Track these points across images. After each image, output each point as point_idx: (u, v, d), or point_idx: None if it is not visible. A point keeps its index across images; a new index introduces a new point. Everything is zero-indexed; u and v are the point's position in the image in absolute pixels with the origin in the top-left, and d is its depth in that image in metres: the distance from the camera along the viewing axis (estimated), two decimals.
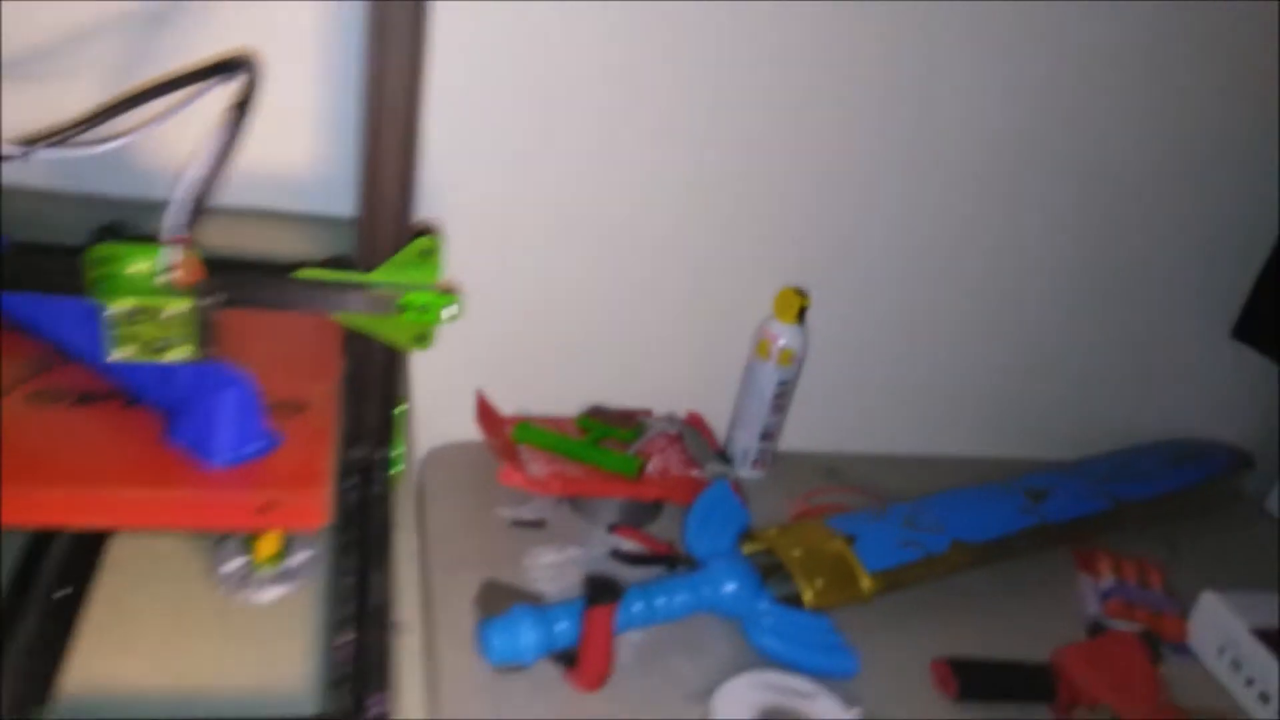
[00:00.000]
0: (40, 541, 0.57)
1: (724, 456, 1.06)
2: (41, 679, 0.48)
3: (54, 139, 0.62)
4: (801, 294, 1.01)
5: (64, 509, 0.54)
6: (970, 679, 0.84)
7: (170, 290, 0.56)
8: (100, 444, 0.57)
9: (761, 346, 1.03)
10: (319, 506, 0.57)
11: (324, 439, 0.61)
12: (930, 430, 1.20)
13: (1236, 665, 0.90)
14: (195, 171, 0.55)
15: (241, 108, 0.56)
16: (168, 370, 0.60)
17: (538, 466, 0.95)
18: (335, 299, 0.62)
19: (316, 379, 0.65)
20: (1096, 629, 0.93)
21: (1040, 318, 1.16)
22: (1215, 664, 0.93)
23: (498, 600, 0.84)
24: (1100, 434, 1.21)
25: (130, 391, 0.62)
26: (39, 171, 0.73)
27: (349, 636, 0.55)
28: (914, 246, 1.08)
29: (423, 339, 0.65)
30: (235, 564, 0.62)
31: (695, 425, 1.09)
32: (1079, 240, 1.11)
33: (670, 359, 1.09)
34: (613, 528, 0.95)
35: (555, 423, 1.02)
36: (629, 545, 0.93)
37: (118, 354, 0.55)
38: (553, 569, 0.90)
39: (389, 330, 0.64)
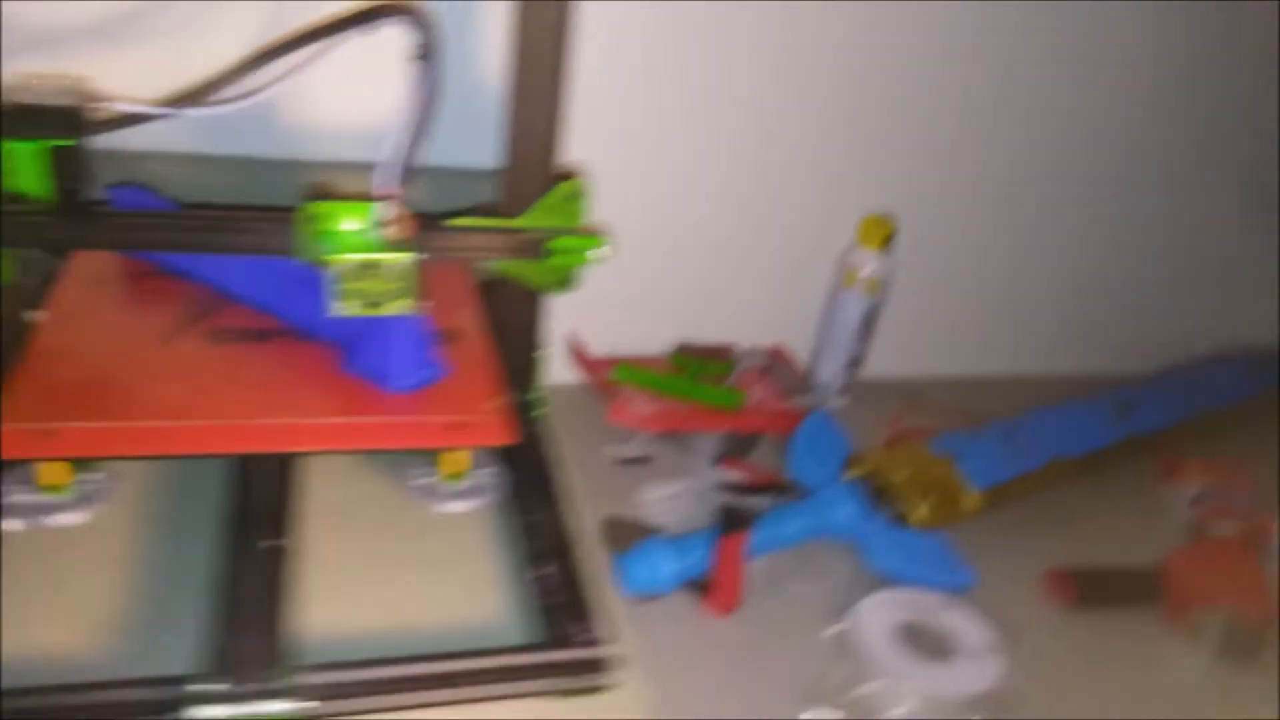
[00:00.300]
0: (242, 491, 0.59)
1: (811, 386, 1.07)
2: (272, 630, 0.49)
3: (198, 97, 0.62)
4: (887, 221, 1.01)
5: (276, 437, 0.56)
6: (1086, 586, 0.87)
7: (388, 244, 0.56)
8: (290, 375, 0.60)
9: (848, 275, 1.04)
10: (504, 424, 0.60)
11: (487, 364, 0.63)
12: (1007, 351, 1.21)
13: None
14: (400, 127, 0.55)
15: (427, 59, 0.55)
16: (319, 302, 0.62)
17: (640, 405, 0.96)
18: (487, 245, 0.62)
19: (459, 310, 0.67)
20: (1199, 533, 0.96)
21: (1108, 235, 1.17)
22: None
23: (621, 534, 0.85)
24: (1170, 345, 1.23)
25: (299, 327, 0.64)
26: (172, 134, 0.73)
27: (547, 568, 0.57)
28: (988, 172, 1.08)
29: (566, 282, 0.66)
30: (424, 479, 0.65)
31: (778, 357, 1.10)
32: (1138, 154, 1.12)
33: (750, 293, 1.10)
34: (718, 460, 0.97)
35: (647, 361, 1.03)
36: (735, 476, 0.95)
37: (341, 308, 0.56)
38: (665, 502, 0.92)
39: (534, 274, 0.65)
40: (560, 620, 0.53)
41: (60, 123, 0.58)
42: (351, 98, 0.81)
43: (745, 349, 1.08)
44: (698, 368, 1.02)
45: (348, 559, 0.59)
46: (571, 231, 0.64)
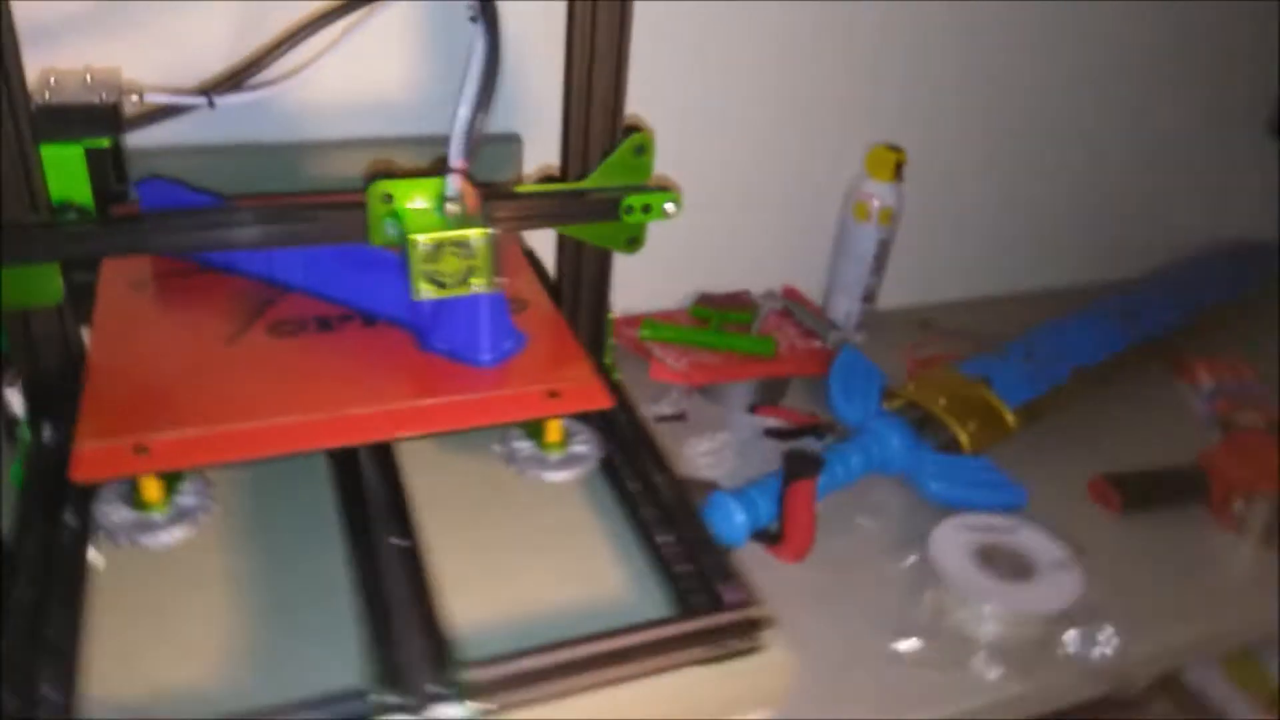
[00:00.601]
0: (350, 490, 0.56)
1: (831, 324, 1.07)
2: (432, 632, 0.47)
3: (236, 82, 0.58)
4: (895, 150, 1.01)
5: (380, 425, 0.54)
6: (1131, 491, 0.89)
7: (460, 220, 0.53)
8: (372, 361, 0.58)
9: (859, 208, 1.03)
10: (600, 387, 0.58)
11: (565, 330, 0.62)
12: (1006, 270, 1.22)
13: None
14: (467, 98, 0.52)
15: (487, 19, 0.52)
16: (393, 284, 0.60)
17: (673, 360, 0.94)
18: (558, 211, 0.60)
19: (516, 277, 0.65)
20: (1226, 427, 0.98)
21: (1094, 146, 1.18)
22: None
23: None
24: (1163, 247, 1.26)
25: (362, 311, 0.62)
26: (158, 127, 0.69)
27: (668, 534, 0.56)
28: (977, 95, 1.08)
29: (635, 241, 0.64)
30: (525, 452, 0.63)
31: (793, 298, 1.09)
32: (1122, 66, 1.13)
33: (758, 237, 1.08)
34: (753, 408, 0.96)
35: (668, 316, 1.01)
36: (774, 423, 0.95)
37: (423, 291, 0.53)
38: (711, 456, 0.91)
39: (604, 236, 0.62)
40: (705, 584, 0.52)
41: (95, 121, 0.53)
42: (344, 74, 0.77)
43: (762, 294, 1.07)
44: (720, 318, 1.00)
45: (466, 544, 0.57)
46: (642, 188, 0.61)
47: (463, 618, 0.49)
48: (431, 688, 0.43)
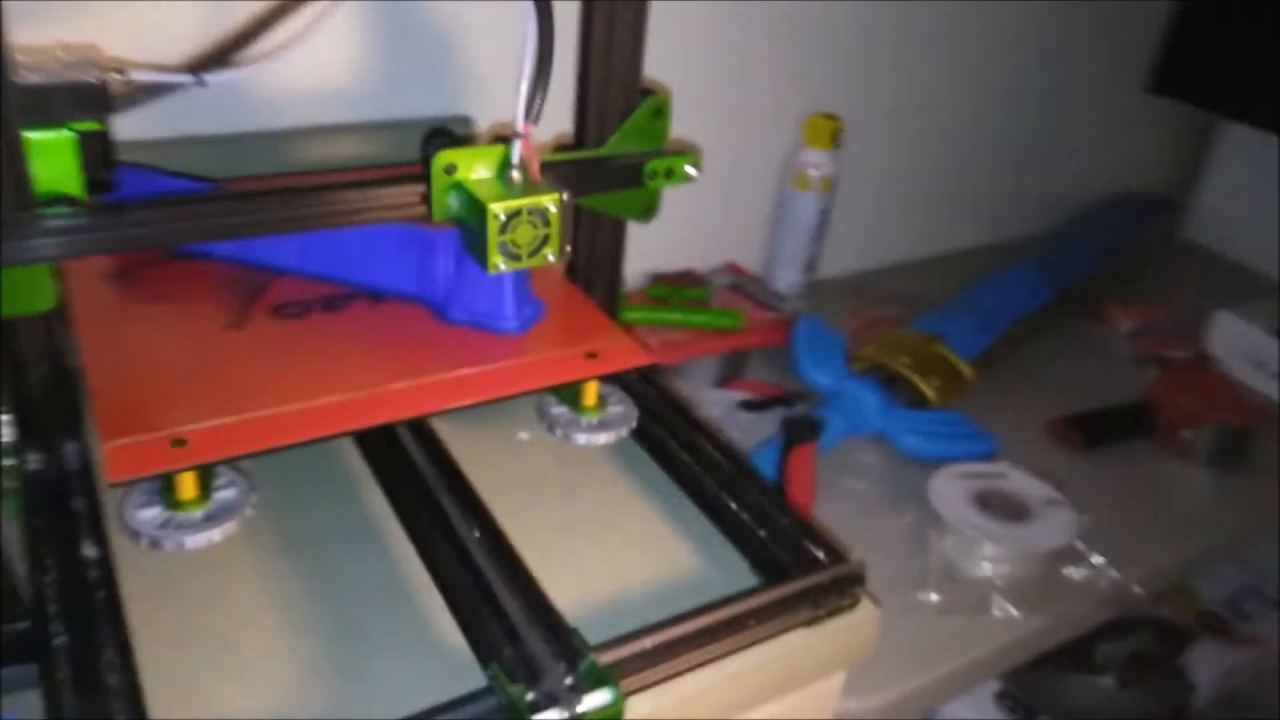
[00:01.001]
0: (405, 478, 0.52)
1: (780, 295, 1.08)
2: (549, 620, 0.44)
3: (223, 59, 0.53)
4: (832, 118, 1.02)
5: (421, 399, 0.50)
6: (1088, 429, 0.93)
7: (526, 188, 0.49)
8: (393, 337, 0.54)
9: (799, 179, 1.04)
10: (635, 345, 0.58)
11: (581, 296, 0.60)
12: (928, 232, 1.26)
13: (1259, 365, 1.04)
14: (529, 62, 0.49)
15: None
16: (399, 258, 0.57)
17: (646, 340, 0.93)
18: (581, 180, 0.57)
19: None
20: (1161, 363, 1.04)
21: (1001, 111, 1.24)
22: (1241, 369, 1.06)
23: None
24: (1059, 202, 1.32)
25: (366, 288, 0.58)
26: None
27: (733, 499, 0.54)
28: (895, 62, 1.11)
29: (650, 210, 0.62)
30: (563, 414, 0.60)
31: (739, 273, 1.09)
32: (1023, 27, 1.19)
33: (700, 214, 1.08)
34: (720, 382, 0.96)
35: (630, 297, 0.99)
36: (745, 395, 0.94)
37: (499, 264, 0.49)
38: None
39: (620, 205, 0.60)
40: (791, 544, 0.50)
41: (84, 102, 0.48)
42: (311, 59, 0.72)
43: (710, 270, 1.06)
44: (680, 295, 0.99)
45: (532, 523, 0.53)
46: (664, 152, 0.59)
47: (559, 601, 0.46)
48: (568, 677, 0.40)
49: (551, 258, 0.50)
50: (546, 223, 0.49)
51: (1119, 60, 1.30)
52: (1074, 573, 0.77)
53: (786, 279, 1.10)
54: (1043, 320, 1.09)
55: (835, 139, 1.02)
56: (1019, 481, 0.81)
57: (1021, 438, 0.94)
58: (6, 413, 0.49)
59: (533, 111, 0.50)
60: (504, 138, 0.51)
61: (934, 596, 0.74)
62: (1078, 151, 1.34)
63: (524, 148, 0.50)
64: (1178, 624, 1.20)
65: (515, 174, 0.51)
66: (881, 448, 0.90)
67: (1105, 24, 1.25)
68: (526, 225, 0.49)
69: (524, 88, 0.49)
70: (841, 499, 0.84)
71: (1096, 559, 0.78)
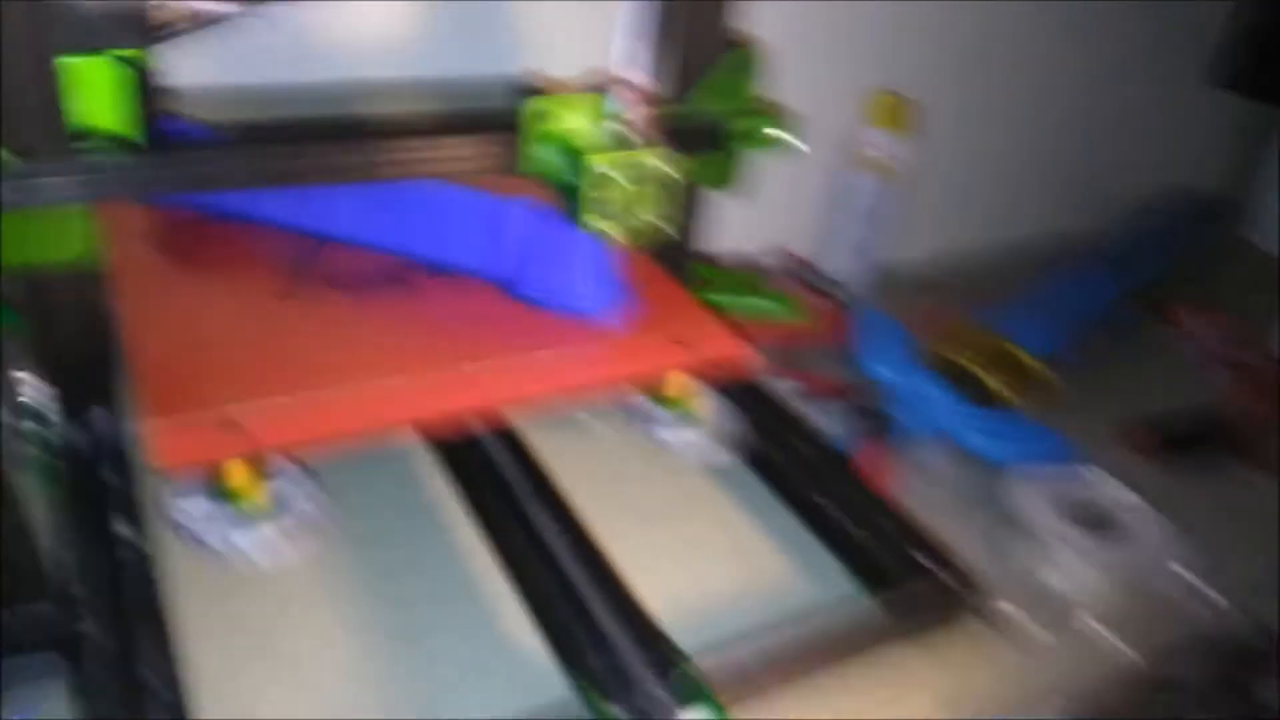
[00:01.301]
0: (488, 480, 0.46)
1: (838, 284, 1.02)
2: (646, 633, 0.39)
3: None
4: (900, 97, 0.96)
5: (505, 385, 0.44)
6: (1175, 437, 0.87)
7: (628, 141, 0.44)
8: (463, 315, 0.49)
9: (864, 161, 0.98)
10: (729, 332, 0.53)
11: (663, 276, 0.54)
12: (989, 222, 1.21)
13: None
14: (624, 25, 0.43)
15: None
16: (465, 226, 0.51)
17: None
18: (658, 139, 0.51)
19: None
20: (1232, 368, 0.99)
21: (1060, 105, 1.18)
22: None
23: None
24: (1116, 196, 1.27)
25: (429, 259, 0.52)
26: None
27: (827, 499, 0.49)
28: (952, 50, 1.05)
29: (726, 178, 0.56)
30: (646, 406, 0.55)
31: (793, 259, 1.04)
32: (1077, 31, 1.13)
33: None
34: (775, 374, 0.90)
35: None
36: (799, 387, 0.89)
37: (591, 223, 0.43)
38: None
39: (697, 171, 0.54)
40: (894, 549, 0.45)
41: (123, 28, 0.42)
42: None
43: (760, 254, 1.01)
44: (726, 279, 0.94)
45: (620, 526, 0.48)
46: (746, 111, 0.53)
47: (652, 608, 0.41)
48: (661, 692, 0.35)
49: (654, 221, 0.45)
50: (648, 180, 0.44)
51: (1180, 54, 1.24)
52: (1170, 593, 0.71)
53: (842, 266, 1.04)
54: (1109, 321, 1.04)
55: (900, 119, 0.97)
56: (1106, 490, 0.76)
57: (1090, 442, 0.88)
58: (32, 374, 0.44)
59: (638, 58, 0.44)
60: (598, 88, 0.45)
61: (1011, 609, 0.68)
62: (1136, 146, 1.28)
63: (628, 95, 0.45)
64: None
65: (614, 125, 0.45)
66: (945, 448, 0.85)
67: (1172, 16, 1.20)
68: (615, 184, 0.43)
69: (626, 35, 0.44)
70: (913, 500, 0.78)
71: (1193, 578, 0.72)
